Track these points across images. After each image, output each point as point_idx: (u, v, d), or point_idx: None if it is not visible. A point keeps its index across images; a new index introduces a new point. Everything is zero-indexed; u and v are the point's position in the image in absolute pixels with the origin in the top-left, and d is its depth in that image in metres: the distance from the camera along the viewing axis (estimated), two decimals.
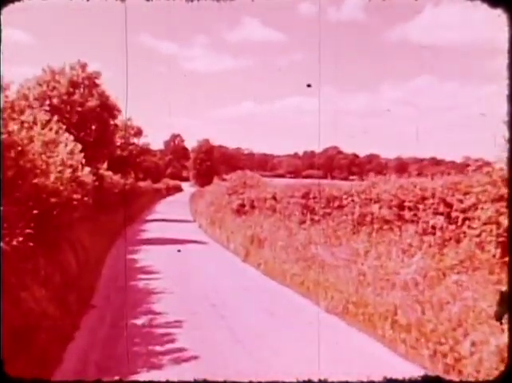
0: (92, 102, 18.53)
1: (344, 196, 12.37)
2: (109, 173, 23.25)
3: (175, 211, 34.47)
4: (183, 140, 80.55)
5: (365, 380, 5.70)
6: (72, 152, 12.94)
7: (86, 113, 18.65)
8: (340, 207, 12.57)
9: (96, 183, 17.10)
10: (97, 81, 19.36)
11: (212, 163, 55.69)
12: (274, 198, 16.40)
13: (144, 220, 29.26)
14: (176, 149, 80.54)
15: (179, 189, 61.56)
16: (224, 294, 11.02)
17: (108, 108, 19.64)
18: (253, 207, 18.28)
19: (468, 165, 8.96)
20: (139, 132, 29.68)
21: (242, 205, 19.11)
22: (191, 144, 68.41)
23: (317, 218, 13.62)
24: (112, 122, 20.38)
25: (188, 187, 60.71)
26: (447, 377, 6.12)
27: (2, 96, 7.62)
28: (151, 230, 23.99)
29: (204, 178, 52.83)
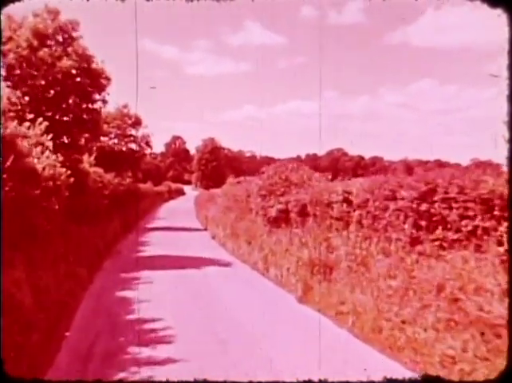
0: (67, 62, 11.79)
1: None
2: (98, 170, 16.83)
3: (180, 218, 28.04)
4: (184, 142, 73.83)
5: (365, 380, 4.95)
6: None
7: (59, 80, 12.01)
8: None
9: (72, 180, 10.87)
10: (75, 35, 12.63)
11: (218, 163, 49.12)
12: (347, 201, 9.75)
13: (145, 229, 22.71)
14: (177, 151, 74.04)
15: (181, 192, 55.40)
16: None
17: (90, 75, 12.83)
18: (304, 214, 11.58)
19: None
20: (137, 122, 22.79)
21: (285, 211, 12.43)
22: (192, 147, 62.28)
23: (453, 236, 7.07)
24: (97, 96, 13.58)
25: (190, 191, 54.23)
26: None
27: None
28: (154, 243, 17.45)
29: (209, 180, 46.09)
